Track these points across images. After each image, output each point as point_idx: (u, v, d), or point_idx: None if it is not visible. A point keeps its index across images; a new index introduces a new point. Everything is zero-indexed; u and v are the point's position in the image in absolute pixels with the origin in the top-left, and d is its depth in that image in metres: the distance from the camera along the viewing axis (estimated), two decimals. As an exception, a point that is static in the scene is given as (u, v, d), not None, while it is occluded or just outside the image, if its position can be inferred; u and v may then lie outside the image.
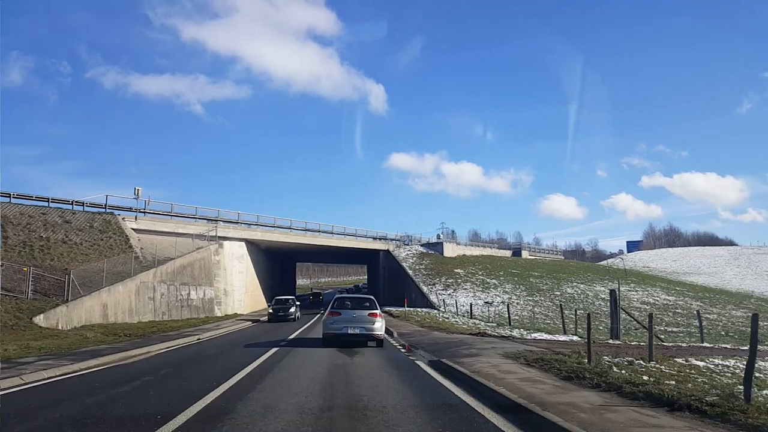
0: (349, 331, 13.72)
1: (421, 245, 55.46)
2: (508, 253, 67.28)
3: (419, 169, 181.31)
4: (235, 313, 35.98)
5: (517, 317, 32.34)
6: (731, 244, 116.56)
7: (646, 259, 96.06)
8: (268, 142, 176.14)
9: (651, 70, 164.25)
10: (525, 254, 68.11)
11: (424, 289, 42.27)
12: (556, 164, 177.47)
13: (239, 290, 37.52)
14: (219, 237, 35.74)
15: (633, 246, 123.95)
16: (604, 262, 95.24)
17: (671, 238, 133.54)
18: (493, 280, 45.50)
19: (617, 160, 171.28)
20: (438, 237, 56.07)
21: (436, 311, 35.48)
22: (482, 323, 28.66)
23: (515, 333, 20.98)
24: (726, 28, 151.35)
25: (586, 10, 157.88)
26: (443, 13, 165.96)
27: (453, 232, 59.08)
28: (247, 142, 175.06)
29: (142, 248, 29.68)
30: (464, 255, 56.19)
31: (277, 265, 54.03)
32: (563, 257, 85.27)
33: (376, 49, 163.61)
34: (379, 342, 14.05)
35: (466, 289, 42.55)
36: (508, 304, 33.89)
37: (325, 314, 15.22)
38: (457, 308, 35.49)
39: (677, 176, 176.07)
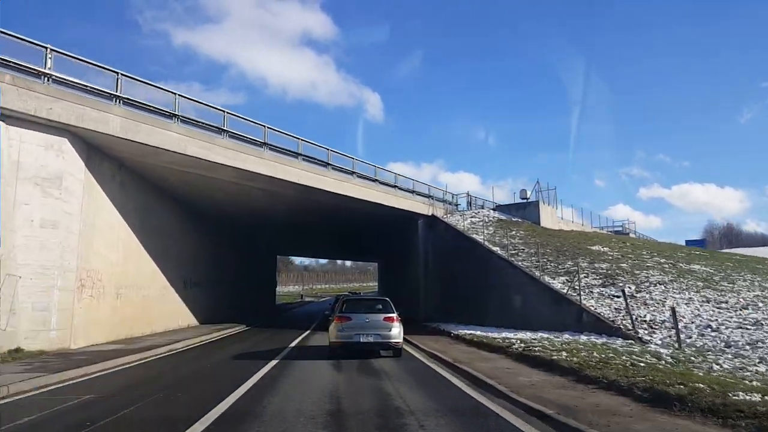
0: (361, 339, 11.29)
1: (495, 209, 30.11)
2: (603, 233, 42.63)
3: (417, 179, 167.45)
4: (18, 348, 10.39)
5: None
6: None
7: (722, 258, 73.87)
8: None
9: (651, 79, 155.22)
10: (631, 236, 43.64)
11: (556, 284, 16.88)
12: (554, 174, 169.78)
13: (46, 274, 11.78)
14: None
15: (694, 245, 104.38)
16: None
17: (731, 238, 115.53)
18: (695, 266, 20.31)
19: (616, 170, 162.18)
20: (524, 196, 30.27)
21: (649, 345, 10.33)
22: None
23: None
24: (725, 37, 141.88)
25: (586, 17, 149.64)
26: (442, 22, 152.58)
27: (555, 188, 31.75)
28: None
29: None
30: (562, 230, 31.09)
31: (228, 245, 28.29)
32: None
33: (372, 57, 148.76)
34: (397, 351, 11.73)
35: (663, 284, 17.27)
36: None
37: (333, 320, 12.03)
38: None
39: (676, 187, 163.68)
